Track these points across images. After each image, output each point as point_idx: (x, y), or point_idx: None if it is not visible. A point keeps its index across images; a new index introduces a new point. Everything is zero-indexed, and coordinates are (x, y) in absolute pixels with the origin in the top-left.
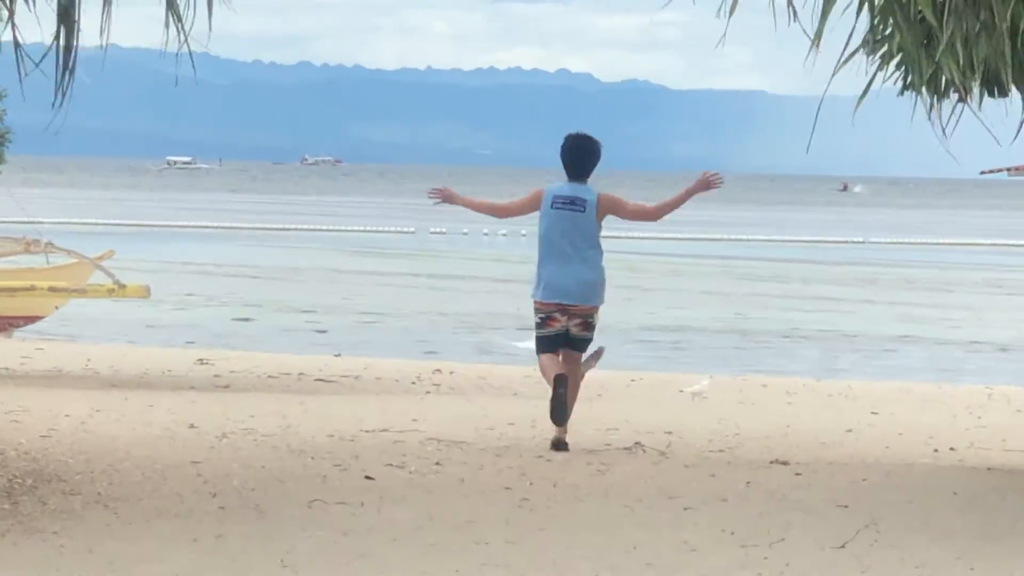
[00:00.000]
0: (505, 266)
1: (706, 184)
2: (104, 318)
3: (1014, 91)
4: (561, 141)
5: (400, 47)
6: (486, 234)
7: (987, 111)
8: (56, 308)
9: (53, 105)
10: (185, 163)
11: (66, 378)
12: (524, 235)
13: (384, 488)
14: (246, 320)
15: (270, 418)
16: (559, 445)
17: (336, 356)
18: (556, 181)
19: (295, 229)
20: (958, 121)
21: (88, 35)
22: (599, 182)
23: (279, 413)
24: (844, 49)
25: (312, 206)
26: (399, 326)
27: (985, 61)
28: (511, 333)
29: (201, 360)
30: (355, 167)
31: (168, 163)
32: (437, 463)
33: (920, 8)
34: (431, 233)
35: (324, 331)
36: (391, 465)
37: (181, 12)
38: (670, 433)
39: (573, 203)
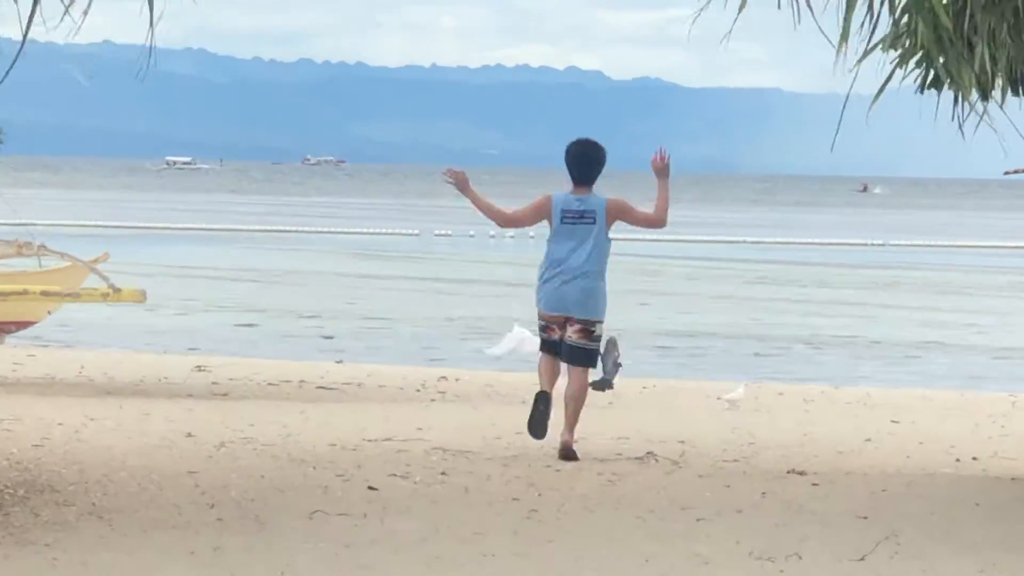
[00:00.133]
0: (513, 269)
1: (661, 166)
2: (99, 323)
3: None
4: (567, 145)
5: (404, 44)
6: (493, 236)
7: (1010, 110)
8: (49, 313)
9: None
10: (185, 163)
11: (59, 385)
12: (532, 237)
13: (388, 499)
14: (246, 326)
15: (270, 427)
16: (567, 454)
17: (338, 363)
18: (562, 189)
19: (296, 231)
20: (980, 120)
21: (86, 32)
22: (611, 183)
23: (279, 422)
24: (868, 43)
25: (314, 207)
26: (404, 332)
27: (1009, 59)
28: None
29: (199, 367)
30: (357, 167)
31: (167, 163)
32: (442, 473)
33: (933, 7)
34: (436, 235)
35: (326, 337)
36: (395, 475)
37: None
38: (683, 442)
39: (583, 216)
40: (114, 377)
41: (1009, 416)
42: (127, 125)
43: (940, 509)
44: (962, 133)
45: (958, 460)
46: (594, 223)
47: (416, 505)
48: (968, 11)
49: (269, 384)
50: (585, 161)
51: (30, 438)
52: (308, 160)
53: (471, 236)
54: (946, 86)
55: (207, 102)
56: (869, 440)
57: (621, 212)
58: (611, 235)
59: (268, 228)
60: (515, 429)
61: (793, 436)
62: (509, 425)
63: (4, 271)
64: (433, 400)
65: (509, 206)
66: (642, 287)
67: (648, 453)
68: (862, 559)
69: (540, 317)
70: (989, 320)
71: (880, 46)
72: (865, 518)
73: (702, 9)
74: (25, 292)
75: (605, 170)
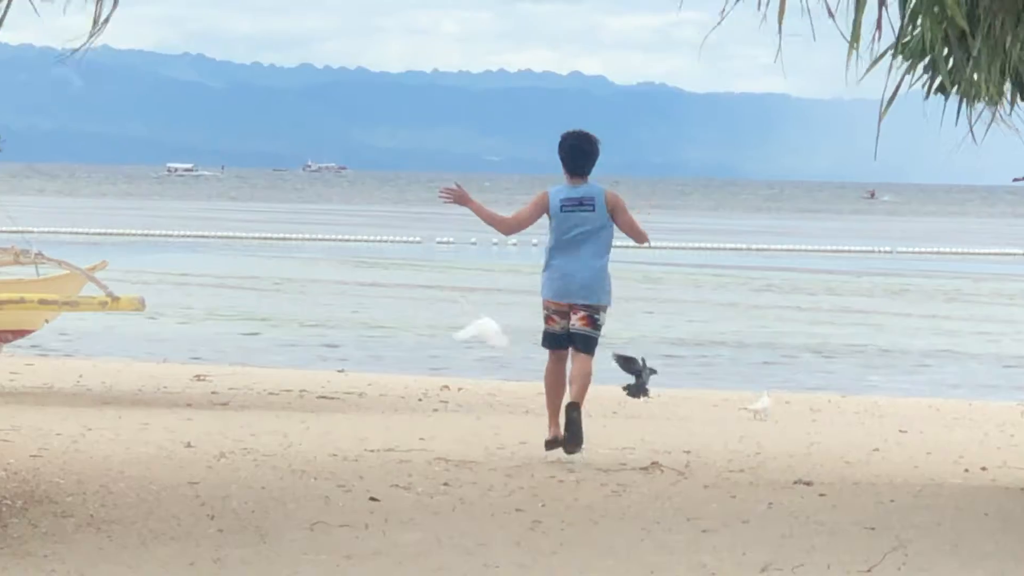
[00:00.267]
0: (517, 277)
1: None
2: (97, 332)
3: None
4: (561, 136)
5: (405, 48)
6: (495, 244)
7: (1019, 115)
8: (46, 322)
9: None
10: (186, 170)
11: (57, 395)
12: (535, 244)
13: (389, 510)
14: (247, 334)
15: (270, 437)
16: (553, 444)
17: (339, 372)
18: (557, 183)
19: (298, 239)
20: (989, 126)
21: (82, 35)
22: (616, 189)
23: (280, 431)
24: (873, 45)
25: (315, 215)
26: (406, 340)
27: (1013, 63)
28: (514, 339)
29: (198, 376)
30: (359, 174)
31: (169, 170)
32: (445, 484)
33: (949, 11)
34: (438, 243)
35: (328, 345)
36: (397, 486)
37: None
38: (689, 452)
39: (582, 203)
40: (113, 386)
41: (1018, 425)
42: (125, 131)
43: (948, 520)
44: (973, 137)
45: (967, 470)
46: (593, 210)
47: (418, 516)
48: (978, 12)
49: (269, 393)
50: (580, 153)
51: (28, 448)
52: (309, 167)
53: (473, 244)
54: (953, 91)
55: (206, 108)
56: (877, 450)
57: (615, 207)
58: (616, 242)
59: (269, 236)
60: (519, 439)
61: (800, 446)
62: (512, 435)
63: (1, 279)
64: (435, 410)
65: (510, 212)
66: (647, 295)
67: (653, 463)
68: (869, 571)
69: (545, 306)
70: (998, 328)
71: (891, 51)
72: (873, 529)
73: (724, 15)
74: (22, 300)
75: (610, 176)
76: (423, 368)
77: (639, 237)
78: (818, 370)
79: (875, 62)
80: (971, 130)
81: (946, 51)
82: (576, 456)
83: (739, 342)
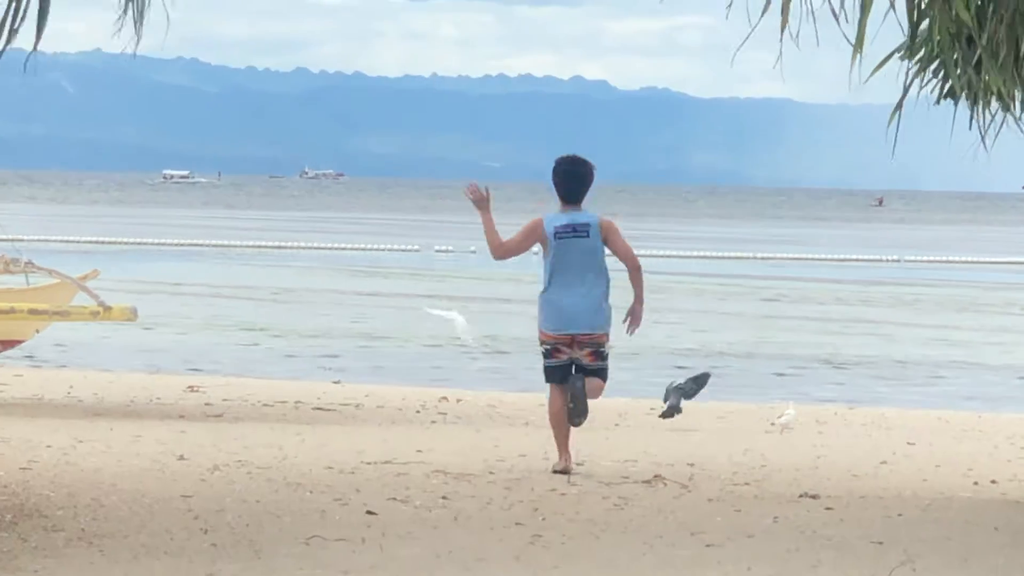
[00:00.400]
0: (518, 287)
1: (636, 319)
2: (88, 342)
3: None
4: (554, 162)
5: (403, 53)
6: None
7: None
8: (37, 332)
9: None
10: (182, 177)
11: (47, 406)
12: (536, 253)
13: (387, 523)
14: (241, 345)
15: (265, 449)
16: (564, 473)
17: (336, 383)
18: (551, 210)
19: (293, 247)
20: (998, 132)
21: (72, 40)
22: (620, 196)
23: (274, 444)
24: (880, 49)
25: (312, 223)
26: (403, 351)
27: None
28: (514, 349)
29: (192, 387)
30: (356, 181)
31: (164, 177)
32: (443, 497)
33: (957, 12)
34: (436, 251)
35: (324, 356)
36: (394, 499)
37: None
38: (692, 465)
39: (576, 230)
40: (104, 398)
41: None
42: (118, 137)
43: (958, 534)
44: (983, 143)
45: (976, 483)
46: (588, 236)
47: (416, 530)
48: (988, 14)
49: (264, 405)
50: (573, 179)
51: (17, 461)
52: (306, 173)
53: (472, 252)
54: (963, 96)
55: (200, 113)
56: (884, 463)
57: (609, 231)
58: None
59: (264, 244)
60: (518, 451)
61: (806, 458)
62: (512, 447)
63: None
64: (434, 421)
65: (508, 235)
66: (654, 305)
67: (656, 476)
68: None
69: (544, 340)
70: (1008, 339)
71: (897, 55)
72: (880, 543)
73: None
74: (12, 310)
75: (613, 182)
76: (421, 379)
77: (631, 264)
78: (827, 381)
79: (880, 65)
80: (982, 136)
81: (956, 54)
82: (578, 469)
83: (747, 353)
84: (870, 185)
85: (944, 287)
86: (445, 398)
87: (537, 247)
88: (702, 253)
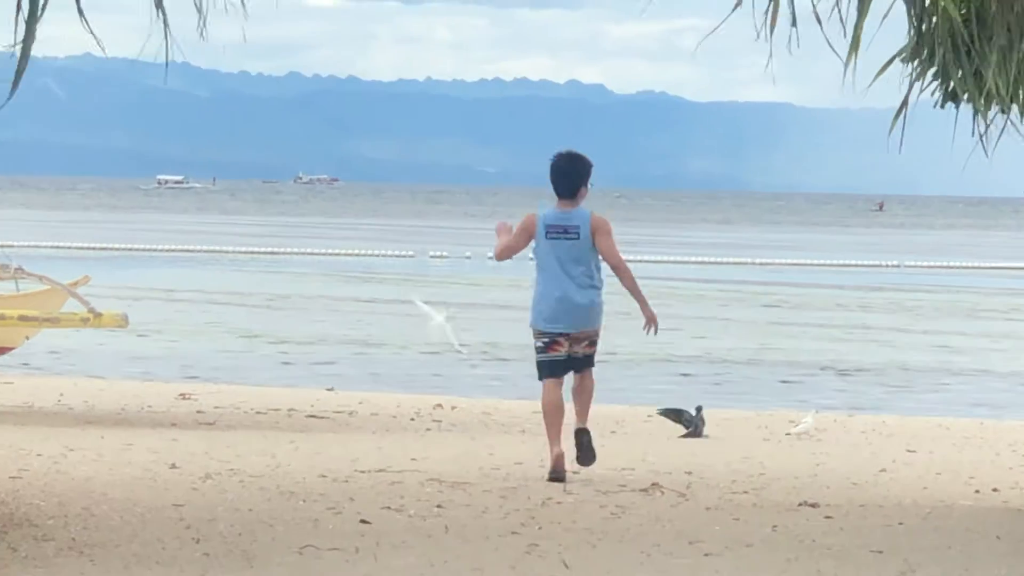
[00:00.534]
0: (513, 292)
1: (649, 320)
2: (79, 349)
3: None
4: (551, 157)
5: (398, 56)
6: (491, 257)
7: None
8: (27, 339)
9: None
10: (177, 182)
11: (37, 414)
12: (531, 259)
13: (381, 532)
14: (233, 352)
15: (258, 457)
16: (582, 441)
17: (329, 390)
18: (547, 205)
19: (287, 253)
20: (1000, 136)
21: (60, 45)
22: (618, 203)
23: (267, 452)
24: (879, 52)
25: (307, 228)
26: (401, 357)
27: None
28: (515, 356)
29: (183, 395)
30: (351, 186)
31: (159, 182)
32: (438, 506)
33: (950, 13)
34: (431, 257)
35: (319, 363)
36: (388, 508)
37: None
38: (690, 473)
39: (567, 232)
40: (95, 405)
41: None
42: (110, 142)
43: (959, 543)
44: (984, 148)
45: (977, 491)
46: (578, 238)
47: (411, 539)
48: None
49: (257, 413)
50: (562, 175)
51: (7, 469)
52: (301, 178)
53: (468, 258)
54: (964, 100)
55: (192, 118)
56: (884, 471)
57: (597, 229)
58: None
59: (258, 250)
60: (514, 459)
61: (805, 466)
62: (508, 455)
63: None
64: (428, 429)
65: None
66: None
67: (653, 484)
68: None
69: (539, 336)
70: (1007, 345)
71: (899, 58)
72: (881, 552)
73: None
74: (2, 317)
75: (609, 187)
76: (418, 386)
77: (612, 263)
78: (829, 388)
79: (882, 70)
80: (982, 141)
81: (955, 57)
82: (574, 476)
83: (748, 360)
84: (869, 190)
85: (945, 293)
86: (440, 405)
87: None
88: (701, 259)
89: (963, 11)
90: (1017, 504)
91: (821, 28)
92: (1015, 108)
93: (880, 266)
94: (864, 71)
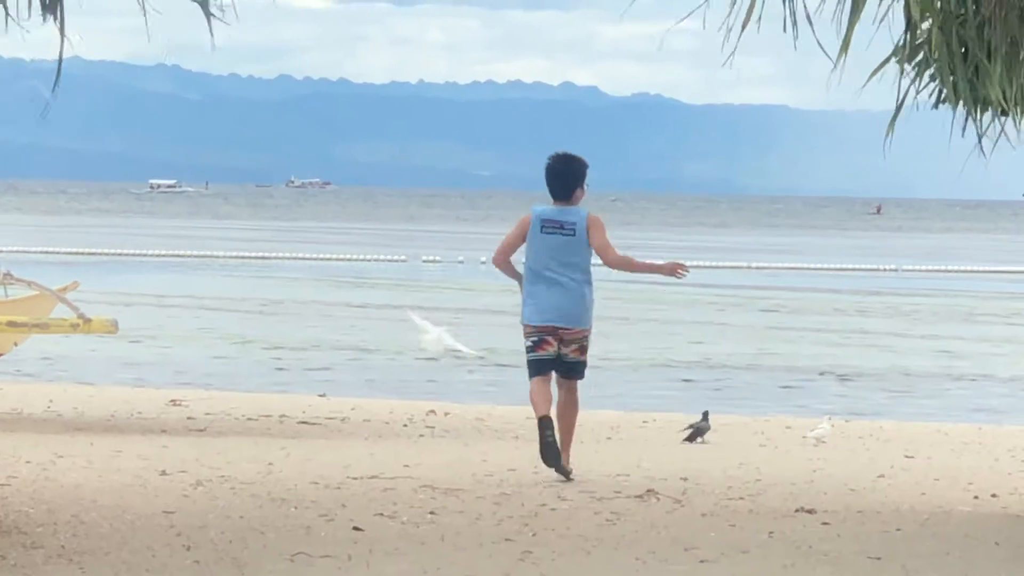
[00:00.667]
0: (507, 297)
1: (671, 271)
2: (69, 355)
3: None
4: (553, 155)
5: (390, 59)
6: (484, 262)
7: None
8: (15, 345)
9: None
10: (169, 186)
11: (26, 421)
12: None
13: (374, 540)
14: (224, 358)
15: (249, 464)
16: (562, 472)
17: (321, 396)
18: (542, 203)
19: (279, 258)
20: (998, 138)
21: (48, 47)
22: (614, 205)
23: (259, 458)
24: (874, 53)
25: (298, 232)
26: (396, 363)
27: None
28: (512, 362)
29: (174, 401)
30: (343, 190)
31: (151, 187)
32: (431, 512)
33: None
34: (424, 261)
35: (313, 369)
36: (381, 515)
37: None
38: (686, 479)
39: (562, 227)
40: (84, 412)
41: None
42: (98, 145)
43: (957, 549)
44: (981, 151)
45: (976, 497)
46: (574, 234)
47: (403, 546)
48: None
49: (248, 419)
50: (562, 176)
51: None
52: (293, 182)
53: (460, 262)
54: (960, 102)
55: (182, 121)
56: (882, 476)
57: (592, 226)
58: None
59: (249, 255)
60: (508, 466)
61: (802, 472)
62: (501, 461)
63: None
64: (421, 435)
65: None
66: (643, 315)
67: (649, 491)
68: None
69: (529, 333)
70: (1007, 350)
71: (895, 58)
72: (878, 559)
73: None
74: None
75: (603, 190)
76: (410, 392)
77: (612, 261)
78: (829, 393)
79: (876, 71)
80: (979, 143)
81: (952, 59)
82: (568, 483)
83: (747, 365)
84: (866, 193)
85: (943, 297)
86: (433, 411)
87: None
88: (698, 263)
89: (962, 11)
90: (1016, 510)
91: (812, 30)
92: (1012, 112)
93: (878, 270)
94: (861, 72)
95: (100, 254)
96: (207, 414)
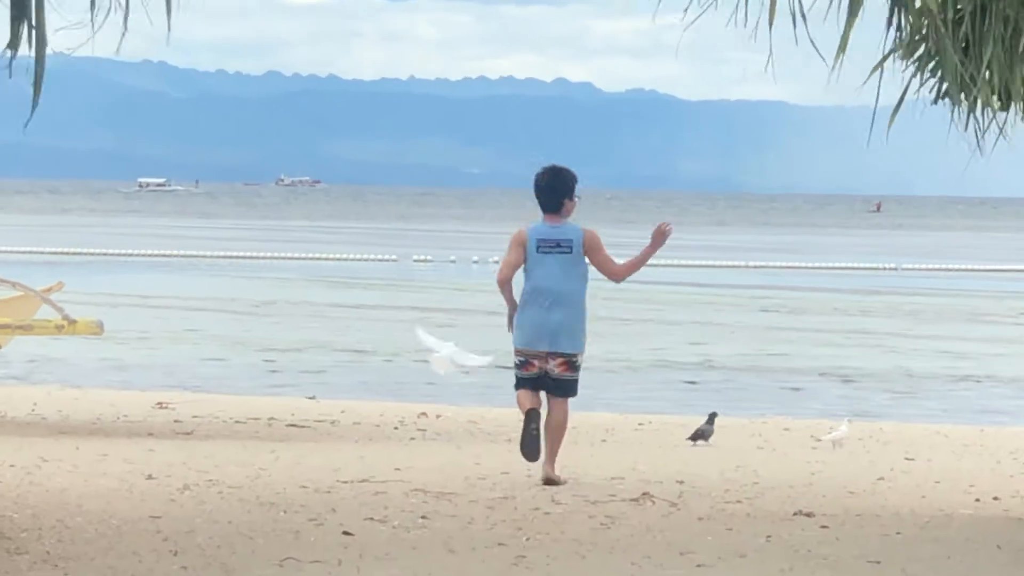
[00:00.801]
0: (500, 297)
1: (661, 235)
2: (53, 357)
3: None
4: (557, 159)
5: (380, 55)
6: (476, 262)
7: None
8: None
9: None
10: (158, 185)
11: (10, 424)
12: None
13: (364, 544)
14: (212, 359)
15: (237, 468)
16: (549, 482)
17: (310, 399)
18: (534, 220)
19: (268, 258)
20: (999, 134)
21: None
22: (608, 203)
23: (247, 462)
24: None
25: (289, 231)
26: (390, 365)
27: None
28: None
29: (160, 404)
30: (333, 188)
31: (140, 185)
32: (423, 517)
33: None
34: (414, 261)
35: (298, 371)
36: (372, 519)
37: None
38: (681, 482)
39: (559, 245)
40: (69, 415)
41: None
42: (85, 143)
43: (958, 552)
44: (979, 148)
45: (977, 500)
46: (570, 251)
47: (395, 551)
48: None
49: (236, 422)
50: (551, 190)
51: None
52: (282, 181)
53: (452, 262)
54: (961, 97)
55: (170, 118)
56: (882, 479)
57: (592, 246)
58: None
59: (237, 254)
60: (501, 469)
61: (800, 475)
62: (495, 464)
63: None
64: (412, 438)
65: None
66: (639, 316)
67: (644, 494)
68: None
69: (518, 353)
70: (1008, 350)
71: (895, 54)
72: (878, 563)
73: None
74: None
75: (599, 189)
76: (405, 394)
77: (614, 275)
78: (817, 394)
79: (876, 67)
80: (978, 141)
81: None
82: (563, 487)
83: (747, 366)
84: (864, 190)
85: (945, 296)
86: (424, 414)
87: None
88: (696, 262)
89: (959, 7)
90: (1018, 513)
91: (806, 27)
92: (1013, 107)
93: (878, 269)
94: (861, 68)
95: (86, 254)
96: (194, 417)
